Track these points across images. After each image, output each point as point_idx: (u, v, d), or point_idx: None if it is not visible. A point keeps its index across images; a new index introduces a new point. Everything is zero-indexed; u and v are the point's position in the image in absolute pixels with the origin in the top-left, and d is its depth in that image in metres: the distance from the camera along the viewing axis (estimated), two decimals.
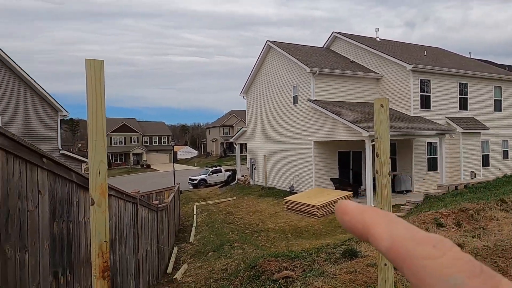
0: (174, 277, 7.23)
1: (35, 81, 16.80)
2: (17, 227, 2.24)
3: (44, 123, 17.52)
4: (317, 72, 16.94)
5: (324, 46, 22.89)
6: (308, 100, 17.20)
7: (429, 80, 17.32)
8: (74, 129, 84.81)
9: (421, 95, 17.11)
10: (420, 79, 17.09)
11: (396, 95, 17.59)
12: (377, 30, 22.58)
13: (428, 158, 17.15)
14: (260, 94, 22.77)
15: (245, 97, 24.85)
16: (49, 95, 17.67)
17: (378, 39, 22.45)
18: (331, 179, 16.76)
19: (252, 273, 4.82)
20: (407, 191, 16.03)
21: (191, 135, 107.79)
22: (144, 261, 6.63)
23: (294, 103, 18.76)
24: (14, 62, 15.76)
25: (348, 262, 4.10)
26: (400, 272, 0.25)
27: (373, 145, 13.12)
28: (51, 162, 2.72)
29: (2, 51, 15.18)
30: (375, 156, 2.91)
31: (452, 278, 0.23)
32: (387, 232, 0.26)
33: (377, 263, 3.17)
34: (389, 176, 2.86)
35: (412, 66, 16.53)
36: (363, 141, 14.00)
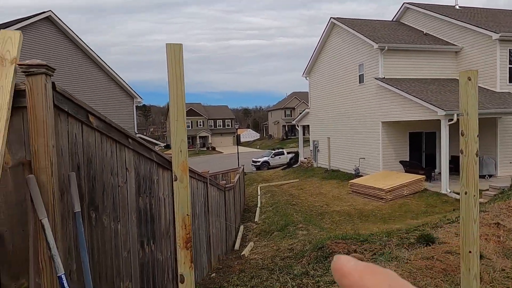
0: (242, 253, 7.56)
1: (113, 70, 18.38)
2: (111, 200, 2.52)
3: (122, 109, 19.20)
4: (386, 48, 15.84)
5: (394, 20, 21.23)
6: (375, 78, 16.25)
7: None
8: (147, 114, 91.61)
9: (510, 67, 15.07)
10: (509, 50, 15.01)
11: (478, 68, 15.72)
12: None
13: None
14: (324, 74, 22.09)
15: (307, 78, 24.33)
16: (126, 83, 19.23)
17: (457, 7, 20.11)
18: (401, 162, 15.82)
19: (319, 253, 4.82)
20: (490, 176, 14.48)
21: (253, 118, 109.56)
22: (214, 236, 7.03)
23: (360, 82, 17.88)
24: (96, 54, 17.38)
25: (423, 248, 3.87)
26: None
27: (450, 125, 12.04)
28: (135, 143, 2.97)
29: (86, 44, 16.82)
30: (460, 135, 2.65)
31: None
32: None
33: (459, 250, 2.94)
34: (476, 157, 2.60)
35: (499, 35, 14.56)
36: (438, 120, 12.87)
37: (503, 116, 14.43)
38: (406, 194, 12.97)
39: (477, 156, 2.58)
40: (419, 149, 16.94)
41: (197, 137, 67.05)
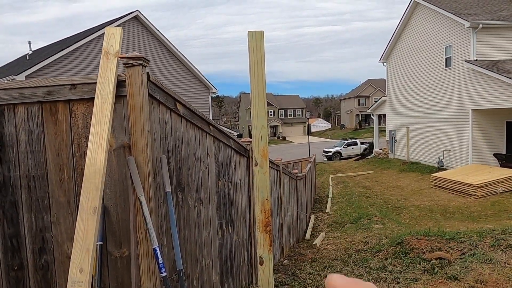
0: (314, 243, 7.53)
1: (192, 63, 19.49)
2: (195, 183, 2.70)
3: (199, 99, 20.31)
4: (480, 26, 14.01)
5: None
6: (465, 61, 14.53)
7: None
8: (220, 104, 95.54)
9: None
10: None
11: None
12: None
13: None
14: (403, 59, 20.47)
15: (385, 63, 22.82)
16: (202, 75, 20.26)
17: None
18: (495, 155, 14.02)
19: (398, 249, 4.57)
20: None
21: (324, 107, 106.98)
22: (285, 224, 7.11)
23: (446, 66, 16.18)
24: (176, 48, 18.60)
25: None
26: None
27: None
28: (215, 130, 3.12)
29: (168, 40, 18.08)
30: None
31: None
32: None
33: None
34: None
35: None
36: None
37: None
38: (501, 191, 11.50)
39: None
40: None
41: (268, 127, 67.83)
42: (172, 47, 18.38)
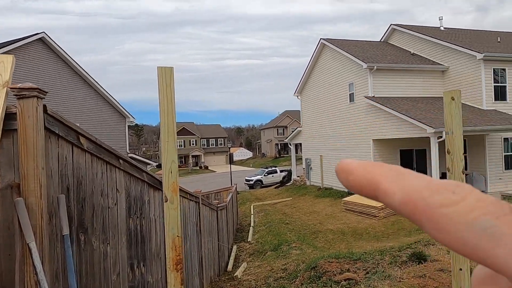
0: (235, 274, 7.43)
1: (105, 90, 18.43)
2: (101, 222, 2.49)
3: (114, 128, 19.14)
4: (375, 67, 16.23)
5: (382, 40, 21.85)
6: (365, 97, 16.55)
7: (504, 69, 15.63)
8: (139, 133, 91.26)
9: (494, 86, 15.51)
10: (493, 69, 15.50)
11: (465, 87, 16.16)
12: (440, 19, 20.98)
13: (505, 155, 15.48)
14: (315, 93, 22.44)
15: (299, 97, 24.67)
16: (118, 102, 19.26)
17: (442, 28, 20.84)
18: None
19: (312, 273, 4.78)
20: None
21: (246, 136, 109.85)
22: (206, 257, 6.91)
23: (350, 101, 18.18)
24: (88, 74, 17.46)
25: (416, 266, 3.87)
26: (419, 226, 0.22)
27: (439, 143, 12.23)
28: (126, 164, 2.97)
29: (78, 64, 16.91)
30: (446, 153, 2.72)
31: (478, 222, 0.20)
32: (397, 185, 0.23)
33: (451, 268, 2.95)
34: (463, 174, 2.65)
35: (483, 54, 15.06)
36: (428, 138, 13.08)
37: (490, 133, 14.73)
38: None
39: (463, 174, 2.63)
40: (410, 166, 17.09)
41: (190, 156, 66.77)
42: (84, 73, 17.22)
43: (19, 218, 1.64)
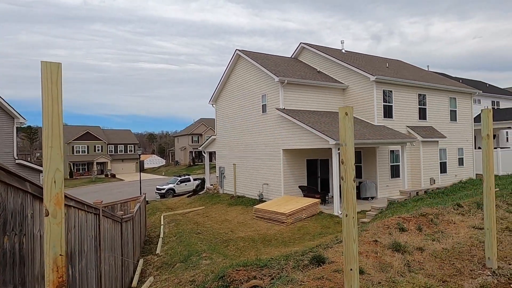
0: None
1: None
2: None
3: None
4: (285, 81, 17.23)
5: (293, 56, 23.38)
6: (276, 108, 17.42)
7: (391, 91, 18.14)
8: (32, 137, 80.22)
9: (384, 105, 17.86)
10: (383, 90, 17.85)
11: (361, 104, 18.25)
12: (342, 42, 23.41)
13: (391, 165, 17.86)
14: (229, 102, 22.77)
15: (214, 105, 24.73)
16: (4, 100, 16.65)
17: (343, 50, 23.27)
18: (300, 187, 16.98)
19: (220, 283, 4.73)
20: (372, 198, 16.55)
21: (158, 143, 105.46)
22: (107, 275, 6.32)
23: (263, 112, 18.92)
24: None
25: (316, 268, 4.13)
26: None
27: (339, 153, 13.52)
28: (1, 171, 2.53)
29: None
30: (340, 163, 2.97)
31: None
32: None
33: (343, 268, 3.22)
34: (354, 182, 2.93)
35: (375, 77, 17.25)
36: (330, 149, 14.34)
37: (380, 146, 16.86)
38: (304, 217, 13.86)
39: (354, 182, 2.91)
40: (316, 174, 18.49)
41: (94, 163, 61.13)
42: None
43: None
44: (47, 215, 1.71)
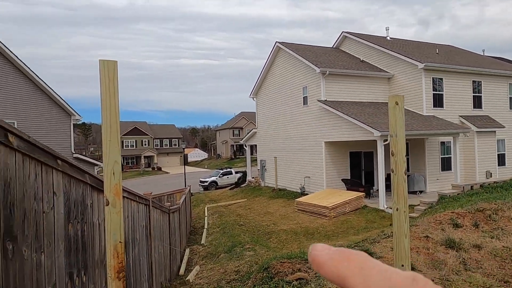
0: (187, 278, 7.24)
1: (48, 86, 17.12)
2: (33, 228, 2.26)
3: (57, 127, 17.83)
4: (327, 72, 16.83)
5: (334, 46, 22.75)
6: (318, 100, 17.10)
7: (441, 79, 17.03)
8: (87, 133, 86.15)
9: (433, 93, 16.83)
10: (432, 78, 16.81)
11: (407, 94, 17.35)
12: (387, 29, 22.35)
13: (441, 157, 16.84)
14: (270, 95, 22.74)
15: (254, 98, 24.85)
16: (62, 99, 17.98)
17: (388, 38, 22.21)
18: (343, 180, 16.61)
19: (264, 274, 4.78)
20: (421, 192, 15.77)
21: (201, 137, 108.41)
22: (157, 262, 6.66)
23: (304, 104, 18.68)
24: (28, 68, 16.09)
25: None
26: None
27: (385, 145, 12.99)
28: (65, 164, 2.73)
29: (17, 57, 15.52)
30: (390, 155, 2.85)
31: None
32: (361, 282, 0.25)
33: (393, 265, 3.10)
34: (405, 175, 2.80)
35: (424, 64, 16.28)
36: (375, 141, 13.83)
37: (429, 137, 15.95)
38: (348, 211, 13.57)
39: (405, 175, 2.78)
40: (359, 167, 17.97)
41: (142, 157, 64.33)
42: (22, 65, 15.83)
43: None
44: (107, 204, 1.82)
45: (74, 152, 18.84)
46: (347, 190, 15.87)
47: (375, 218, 12.51)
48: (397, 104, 2.75)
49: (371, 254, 4.29)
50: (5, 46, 14.96)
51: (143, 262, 5.55)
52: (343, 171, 17.24)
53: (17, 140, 2.05)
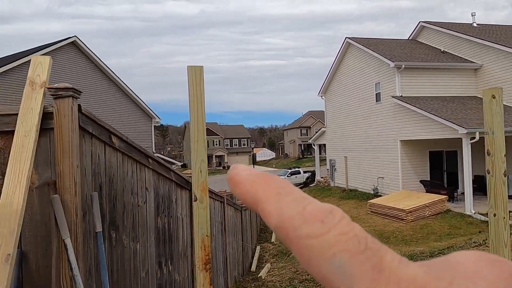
0: (259, 275, 7.40)
1: (133, 92, 18.94)
2: (131, 220, 2.53)
3: (141, 129, 19.62)
4: (402, 66, 15.76)
5: (410, 38, 21.21)
6: (392, 96, 16.10)
7: None
8: (164, 134, 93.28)
9: None
10: None
11: (499, 86, 15.37)
12: (473, 15, 20.09)
13: None
14: (339, 93, 22.08)
15: (323, 97, 24.36)
16: (145, 103, 19.74)
17: (474, 24, 19.95)
18: (421, 181, 15.39)
19: None
20: None
21: (268, 137, 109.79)
22: (230, 257, 6.93)
23: (376, 101, 17.75)
24: (117, 76, 18.01)
25: None
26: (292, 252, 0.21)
27: (472, 144, 11.71)
28: (155, 163, 3.01)
29: (107, 67, 17.47)
30: (486, 154, 2.57)
31: (335, 259, 0.19)
32: (275, 208, 0.22)
33: None
34: (505, 176, 2.50)
35: None
36: (459, 139, 12.55)
37: None
38: (428, 215, 12.54)
39: (505, 176, 2.48)
40: (440, 168, 16.49)
41: (213, 157, 67.49)
42: (113, 74, 17.77)
43: (55, 215, 1.68)
44: (195, 200, 1.96)
45: (154, 152, 20.55)
46: (426, 192, 14.67)
47: (460, 224, 11.36)
48: (494, 97, 2.46)
49: None
50: (99, 59, 16.95)
51: (218, 256, 5.82)
52: (422, 172, 15.97)
53: (118, 141, 2.31)
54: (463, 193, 13.71)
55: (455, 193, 14.53)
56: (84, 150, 1.91)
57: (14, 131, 1.66)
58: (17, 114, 1.69)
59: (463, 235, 9.84)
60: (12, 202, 1.52)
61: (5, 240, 1.46)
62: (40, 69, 1.81)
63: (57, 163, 1.74)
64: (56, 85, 1.73)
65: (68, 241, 1.66)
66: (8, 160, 1.62)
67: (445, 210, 12.90)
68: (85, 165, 1.92)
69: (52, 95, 1.74)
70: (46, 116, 1.75)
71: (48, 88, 1.75)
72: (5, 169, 1.64)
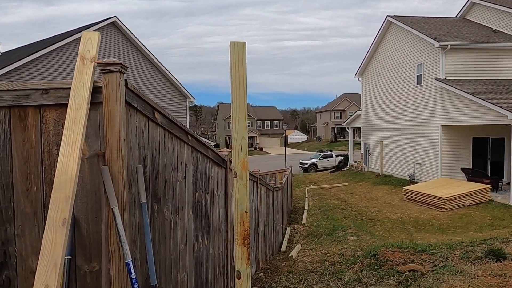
0: (290, 255, 7.50)
1: (170, 72, 19.31)
2: (171, 194, 2.62)
3: (176, 108, 20.09)
4: (448, 46, 14.77)
5: (458, 16, 19.76)
6: (435, 79, 15.23)
7: None
8: (198, 114, 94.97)
9: None
10: None
11: None
12: None
13: None
14: (378, 75, 21.21)
15: (360, 79, 23.54)
16: (180, 84, 20.10)
17: None
18: (462, 169, 14.65)
19: (372, 261, 4.62)
20: None
21: (301, 119, 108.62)
22: (262, 236, 7.06)
23: (417, 84, 16.89)
24: (154, 56, 18.39)
25: (493, 263, 3.52)
26: None
27: None
28: (194, 140, 3.07)
29: (145, 47, 17.86)
30: None
31: None
32: None
33: None
34: None
35: None
36: (507, 125, 11.73)
37: None
38: (468, 204, 11.98)
39: None
40: (484, 156, 15.57)
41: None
42: (150, 54, 18.17)
43: (104, 185, 1.77)
44: (235, 176, 1.98)
45: None
46: (467, 181, 13.98)
47: (503, 215, 10.77)
48: None
49: (504, 254, 3.72)
50: (137, 39, 17.34)
51: (251, 234, 5.94)
52: (463, 159, 15.17)
53: (160, 116, 2.37)
54: (508, 183, 12.92)
55: (499, 183, 13.73)
56: (129, 124, 1.98)
57: (67, 104, 1.75)
58: (69, 88, 1.77)
59: (507, 226, 9.33)
60: (67, 171, 1.61)
61: (61, 206, 1.57)
62: (90, 44, 1.87)
63: (105, 136, 1.81)
64: (105, 60, 1.78)
65: (116, 210, 1.74)
66: (62, 132, 1.71)
67: (487, 200, 12.26)
68: (130, 139, 1.99)
69: (101, 69, 1.80)
70: (96, 90, 1.82)
71: (97, 63, 1.80)
72: (60, 140, 1.73)
